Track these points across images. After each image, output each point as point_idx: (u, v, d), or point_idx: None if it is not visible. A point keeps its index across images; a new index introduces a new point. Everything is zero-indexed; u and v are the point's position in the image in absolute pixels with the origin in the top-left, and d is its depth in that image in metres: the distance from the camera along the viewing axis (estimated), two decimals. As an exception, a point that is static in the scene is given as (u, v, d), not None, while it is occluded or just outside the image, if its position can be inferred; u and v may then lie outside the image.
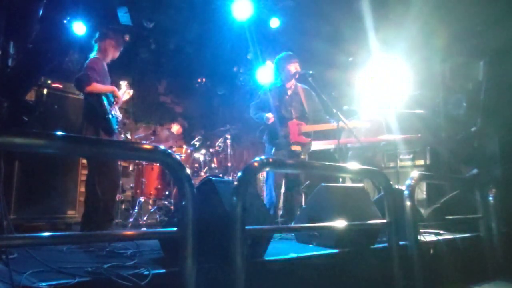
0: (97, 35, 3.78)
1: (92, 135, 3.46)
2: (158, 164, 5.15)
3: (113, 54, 3.81)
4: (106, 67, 3.73)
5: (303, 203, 4.81)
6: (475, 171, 4.36)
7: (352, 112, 5.17)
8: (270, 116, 4.17)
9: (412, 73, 5.53)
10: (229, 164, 6.34)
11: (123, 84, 3.98)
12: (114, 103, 3.69)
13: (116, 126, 3.64)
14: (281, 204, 4.42)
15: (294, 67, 4.26)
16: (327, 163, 2.52)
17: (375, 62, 5.80)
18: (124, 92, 3.92)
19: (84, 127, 3.52)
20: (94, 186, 3.38)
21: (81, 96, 3.93)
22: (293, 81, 4.37)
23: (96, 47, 3.73)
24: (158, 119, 7.54)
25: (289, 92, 4.35)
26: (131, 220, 5.01)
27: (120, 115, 3.76)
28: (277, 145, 4.22)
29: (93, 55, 3.69)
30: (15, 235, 1.69)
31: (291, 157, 4.11)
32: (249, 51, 7.05)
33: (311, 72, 4.08)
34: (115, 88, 3.72)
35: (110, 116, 3.53)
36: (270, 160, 1.94)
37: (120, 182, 5.32)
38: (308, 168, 2.67)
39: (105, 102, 3.54)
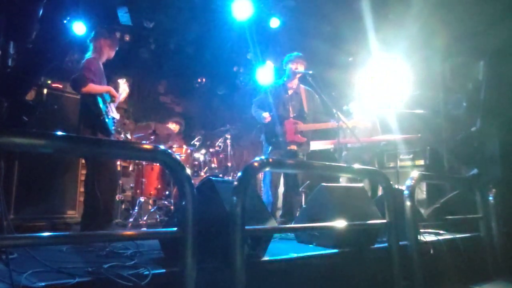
0: (92, 34, 3.76)
1: (89, 136, 3.44)
2: (158, 164, 5.15)
3: (109, 53, 3.78)
4: (102, 67, 3.70)
5: (303, 203, 4.81)
6: (475, 171, 4.36)
7: (346, 112, 5.18)
8: (266, 115, 4.17)
9: (412, 73, 5.53)
10: (229, 164, 6.34)
11: (122, 82, 3.95)
12: (112, 102, 3.67)
13: (113, 127, 3.62)
14: (280, 204, 4.42)
15: (295, 66, 4.26)
16: (327, 163, 2.52)
17: (375, 62, 5.79)
18: (123, 90, 3.89)
19: (81, 129, 3.48)
20: (93, 186, 3.37)
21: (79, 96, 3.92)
22: (296, 81, 4.37)
23: (91, 46, 3.70)
24: (158, 119, 7.53)
25: (290, 92, 4.35)
26: (131, 220, 5.00)
27: (117, 116, 3.73)
28: (274, 144, 4.22)
29: (88, 55, 3.66)
30: (15, 235, 1.69)
31: (288, 157, 4.11)
32: (249, 51, 7.05)
33: (310, 72, 4.08)
34: (110, 88, 3.69)
35: (105, 117, 3.50)
36: (270, 160, 1.94)
37: (120, 182, 5.33)
38: (307, 168, 2.67)
39: (100, 103, 3.51)
